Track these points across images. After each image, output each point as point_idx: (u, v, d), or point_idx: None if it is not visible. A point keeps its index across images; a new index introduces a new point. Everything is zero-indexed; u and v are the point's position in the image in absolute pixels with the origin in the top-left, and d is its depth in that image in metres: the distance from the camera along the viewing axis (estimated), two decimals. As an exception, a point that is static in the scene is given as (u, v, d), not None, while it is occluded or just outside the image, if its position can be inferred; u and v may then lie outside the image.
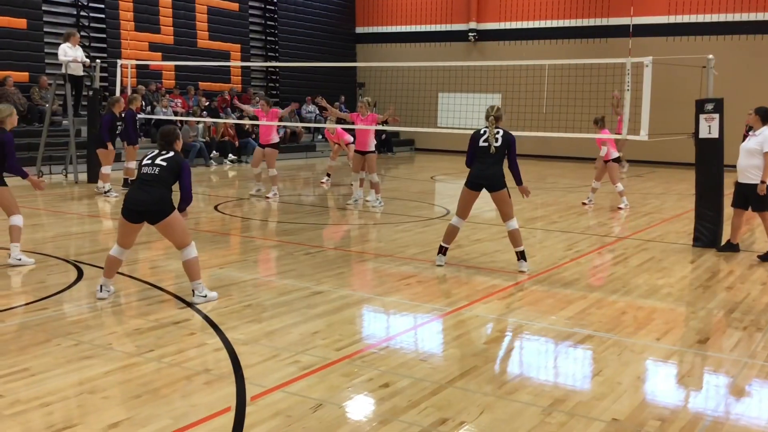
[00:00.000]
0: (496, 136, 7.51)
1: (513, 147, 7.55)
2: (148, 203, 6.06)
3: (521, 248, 7.69)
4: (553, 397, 4.38)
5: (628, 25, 22.65)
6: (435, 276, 7.52)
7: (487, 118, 7.61)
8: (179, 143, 6.33)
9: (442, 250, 7.87)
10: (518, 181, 7.61)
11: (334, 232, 10.65)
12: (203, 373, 4.58)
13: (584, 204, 12.98)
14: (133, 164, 13.10)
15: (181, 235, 6.21)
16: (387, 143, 24.96)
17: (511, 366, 5.09)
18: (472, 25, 25.79)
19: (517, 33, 24.94)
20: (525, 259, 7.69)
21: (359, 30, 28.13)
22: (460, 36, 26.01)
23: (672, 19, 22.56)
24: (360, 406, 4.21)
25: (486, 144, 7.52)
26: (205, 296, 6.23)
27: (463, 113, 20.29)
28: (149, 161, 6.19)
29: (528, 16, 24.95)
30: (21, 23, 17.36)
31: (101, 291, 6.23)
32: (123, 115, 13.51)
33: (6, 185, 7.41)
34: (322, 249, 8.81)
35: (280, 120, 13.45)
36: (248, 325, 5.61)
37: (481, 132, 7.60)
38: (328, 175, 15.38)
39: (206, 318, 5.74)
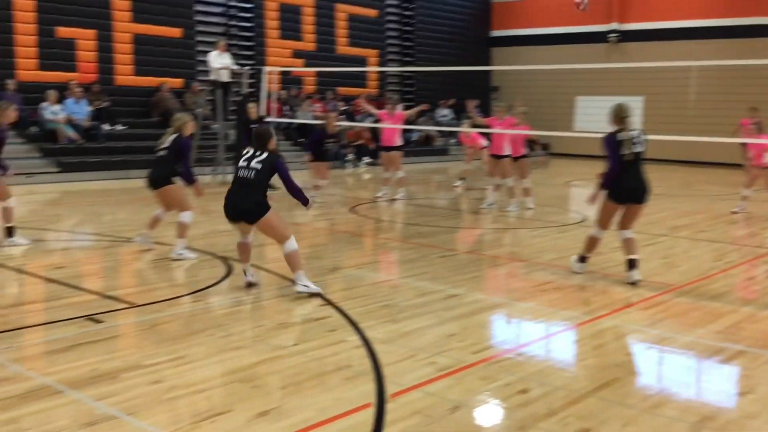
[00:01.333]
0: (639, 138, 7.16)
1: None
2: (245, 206, 6.43)
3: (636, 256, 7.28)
4: (701, 413, 4.19)
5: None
6: (572, 283, 7.36)
7: (625, 119, 7.04)
8: (273, 142, 6.60)
9: (582, 259, 7.66)
10: None
11: (468, 236, 10.65)
12: (344, 368, 4.73)
13: (734, 212, 12.27)
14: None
15: (281, 231, 6.54)
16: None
17: (655, 379, 4.90)
18: (614, 25, 24.98)
19: (664, 33, 23.89)
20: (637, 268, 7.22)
21: (495, 33, 27.95)
22: (599, 37, 25.27)
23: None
24: (498, 410, 4.21)
25: (633, 149, 6.97)
26: (307, 287, 6.42)
27: (601, 117, 19.69)
28: (245, 163, 6.47)
29: (675, 16, 23.85)
30: (176, 32, 18.59)
31: (246, 275, 6.69)
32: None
33: (174, 183, 8.06)
34: (456, 252, 8.83)
35: (407, 122, 13.55)
36: (385, 324, 5.73)
37: (628, 135, 7.00)
38: (463, 178, 15.38)
39: (345, 316, 5.92)
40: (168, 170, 8.01)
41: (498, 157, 12.21)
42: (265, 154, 6.47)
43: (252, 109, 13.78)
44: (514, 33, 27.50)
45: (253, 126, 13.93)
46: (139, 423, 3.86)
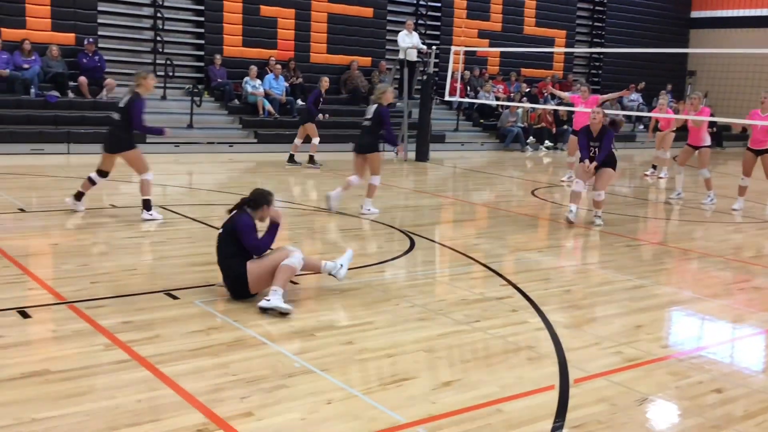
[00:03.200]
0: None
1: None
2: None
3: None
4: None
5: None
6: (774, 284, 6.86)
7: None
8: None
9: None
10: None
11: (657, 227, 10.19)
12: (526, 349, 4.75)
13: None
14: (316, 140, 13.81)
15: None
16: (717, 137, 23.01)
17: None
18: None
19: None
20: None
21: (695, 14, 26.21)
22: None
23: None
24: (689, 408, 4.05)
25: None
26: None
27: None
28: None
29: None
30: (368, 12, 19.15)
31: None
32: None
33: (379, 151, 9.23)
34: (643, 242, 8.50)
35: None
36: (568, 309, 5.67)
37: None
38: (654, 167, 14.69)
39: (527, 297, 5.91)
40: (373, 138, 9.13)
41: (695, 147, 11.55)
42: (375, 106, 9.12)
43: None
44: (717, 14, 25.63)
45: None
46: (333, 380, 4.12)
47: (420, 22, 20.04)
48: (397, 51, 16.57)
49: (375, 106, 9.12)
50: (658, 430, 3.85)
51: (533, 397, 4.04)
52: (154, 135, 9.38)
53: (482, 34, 21.28)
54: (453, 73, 16.64)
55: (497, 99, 20.02)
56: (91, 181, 8.38)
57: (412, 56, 16.36)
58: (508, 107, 19.50)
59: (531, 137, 20.05)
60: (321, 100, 13.92)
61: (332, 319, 5.18)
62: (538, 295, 5.98)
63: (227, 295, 5.47)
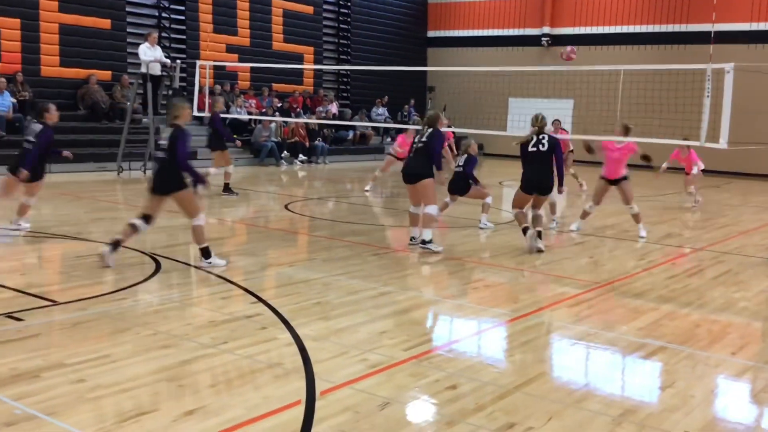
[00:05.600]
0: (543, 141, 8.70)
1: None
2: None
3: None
4: (624, 407, 4.32)
5: (709, 32, 22.00)
6: (502, 281, 7.49)
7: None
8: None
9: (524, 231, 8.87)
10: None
11: (403, 234, 10.68)
12: (275, 366, 4.69)
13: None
14: (231, 168, 13.13)
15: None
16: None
17: (579, 374, 5.03)
18: (546, 29, 25.51)
19: (593, 38, 24.55)
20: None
21: (431, 33, 28.17)
22: (532, 41, 25.77)
23: (755, 26, 21.84)
24: (427, 407, 4.24)
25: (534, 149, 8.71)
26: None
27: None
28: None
29: (604, 21, 24.55)
30: (105, 23, 18.07)
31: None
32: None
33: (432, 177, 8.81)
34: (389, 251, 8.87)
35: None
36: (317, 322, 5.71)
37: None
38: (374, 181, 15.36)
39: (277, 313, 5.86)
40: (427, 163, 8.59)
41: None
42: (431, 130, 8.71)
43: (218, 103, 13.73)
44: (451, 34, 27.79)
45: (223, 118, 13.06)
46: (60, 423, 3.74)
47: (164, 35, 19.33)
48: (140, 64, 15.79)
49: (431, 129, 8.69)
50: (400, 432, 3.98)
51: (279, 415, 3.98)
52: (194, 179, 7.38)
53: (230, 48, 21.05)
54: (201, 87, 16.25)
55: (249, 114, 19.92)
56: (134, 228, 7.22)
57: (156, 70, 15.69)
58: (260, 122, 19.47)
59: (285, 152, 20.20)
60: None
61: (62, 356, 4.72)
62: (289, 310, 5.96)
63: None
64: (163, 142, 7.29)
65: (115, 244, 7.21)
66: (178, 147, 7.14)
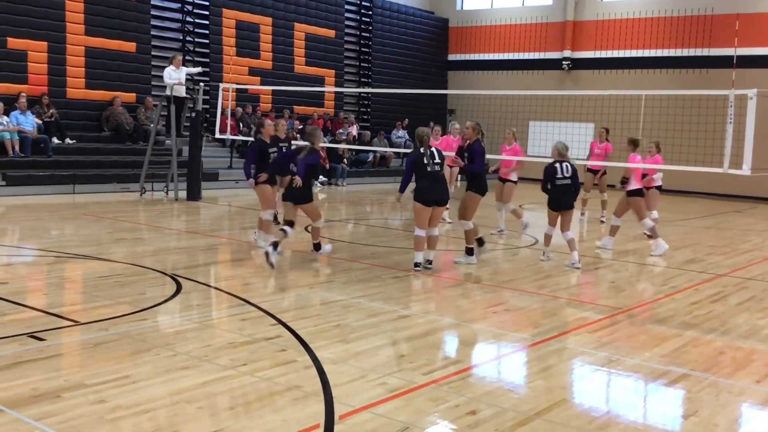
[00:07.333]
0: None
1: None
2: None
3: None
4: (646, 435, 4.25)
5: (731, 56, 21.90)
6: (523, 305, 7.44)
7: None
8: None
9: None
10: None
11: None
12: (294, 389, 4.68)
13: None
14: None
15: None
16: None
17: (601, 401, 4.97)
18: (567, 53, 25.53)
19: (614, 62, 24.54)
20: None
21: (451, 57, 28.30)
22: (553, 64, 25.79)
23: (778, 50, 21.72)
24: (446, 432, 4.21)
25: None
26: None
27: (553, 142, 20.01)
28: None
29: (625, 45, 24.52)
30: (131, 47, 18.35)
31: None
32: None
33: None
34: (409, 273, 8.86)
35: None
36: (337, 344, 5.70)
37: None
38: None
39: (296, 335, 5.86)
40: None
41: (504, 181, 12.83)
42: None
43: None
44: (472, 57, 27.88)
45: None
46: (79, 444, 3.75)
47: (188, 58, 19.59)
48: (164, 87, 16.00)
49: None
50: (419, 458, 3.94)
51: (298, 439, 3.96)
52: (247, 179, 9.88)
53: (253, 71, 21.28)
54: (223, 110, 16.43)
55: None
56: (284, 233, 8.65)
57: (180, 92, 15.89)
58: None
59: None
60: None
61: (82, 376, 4.74)
62: (308, 332, 5.95)
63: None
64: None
65: (275, 245, 8.34)
66: (247, 154, 9.50)
